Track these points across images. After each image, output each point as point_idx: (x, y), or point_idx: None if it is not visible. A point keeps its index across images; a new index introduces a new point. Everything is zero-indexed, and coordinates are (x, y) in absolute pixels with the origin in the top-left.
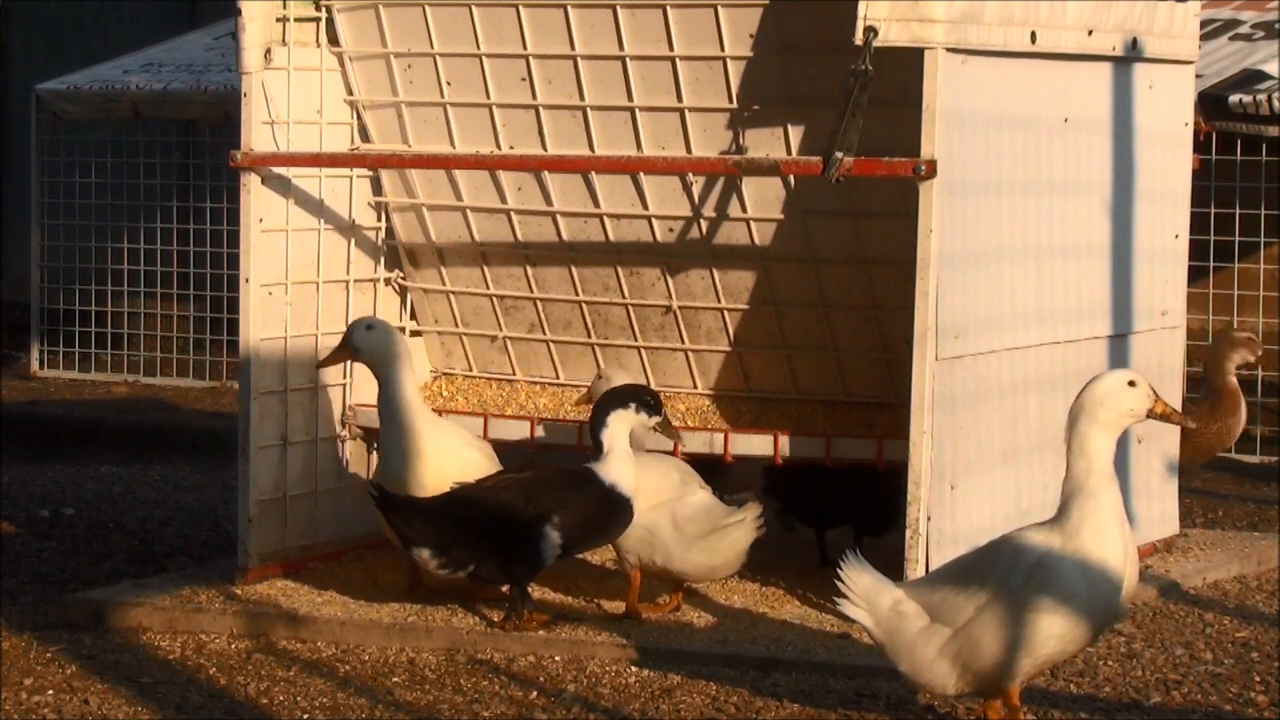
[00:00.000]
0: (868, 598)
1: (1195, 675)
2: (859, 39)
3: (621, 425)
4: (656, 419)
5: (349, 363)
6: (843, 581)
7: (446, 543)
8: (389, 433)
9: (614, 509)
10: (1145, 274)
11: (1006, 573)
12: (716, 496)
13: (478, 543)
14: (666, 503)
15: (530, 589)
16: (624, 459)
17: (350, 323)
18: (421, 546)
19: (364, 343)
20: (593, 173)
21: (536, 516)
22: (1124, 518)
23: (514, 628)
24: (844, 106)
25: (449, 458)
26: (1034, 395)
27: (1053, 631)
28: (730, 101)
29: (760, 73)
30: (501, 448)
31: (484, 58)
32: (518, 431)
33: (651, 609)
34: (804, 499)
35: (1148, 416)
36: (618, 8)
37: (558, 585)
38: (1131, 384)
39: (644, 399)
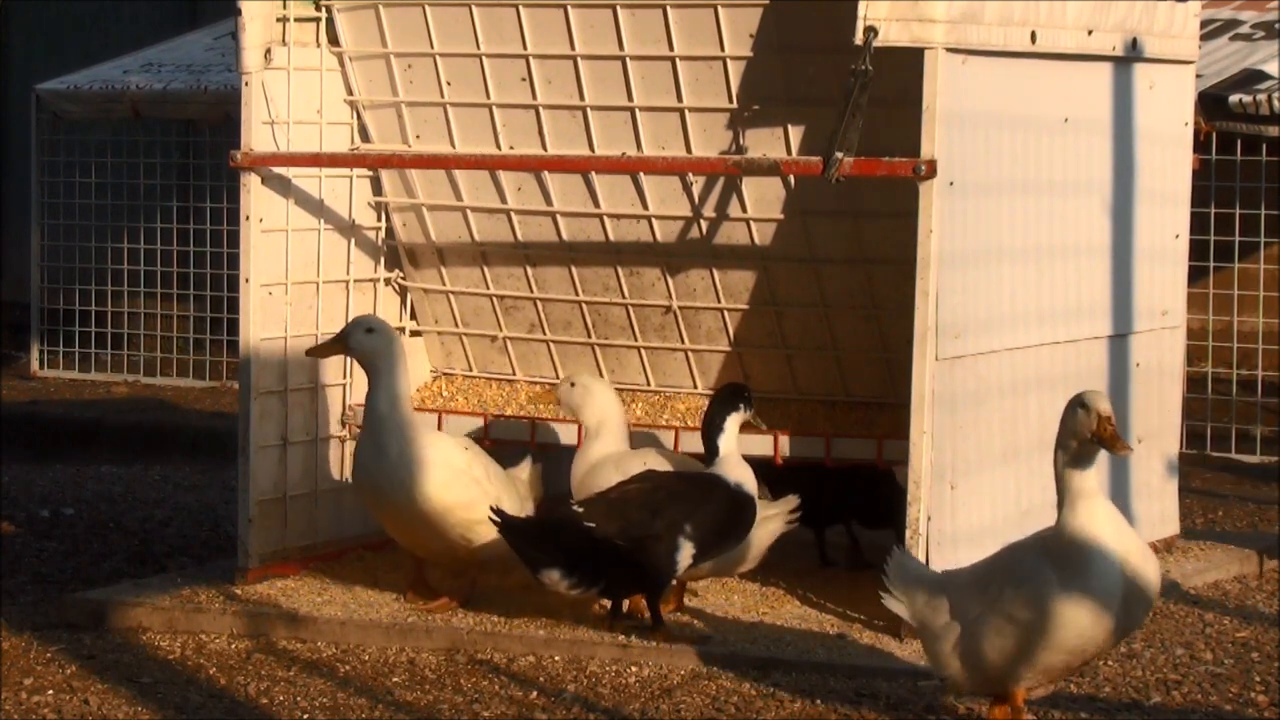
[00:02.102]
0: (907, 590)
1: (1195, 675)
2: (859, 39)
3: (735, 427)
4: (750, 412)
5: (350, 363)
6: (886, 574)
7: (574, 562)
8: (378, 436)
9: (742, 510)
10: (1145, 274)
11: (1005, 579)
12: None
13: (607, 560)
14: None
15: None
16: (739, 459)
17: (352, 320)
18: (550, 568)
19: (360, 346)
20: (593, 173)
21: (668, 527)
22: (1111, 531)
23: (662, 637)
24: (844, 106)
25: (442, 469)
26: (1034, 395)
27: (1044, 640)
28: (730, 101)
29: (760, 73)
30: (501, 448)
31: (484, 58)
32: (518, 431)
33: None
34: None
35: (1090, 437)
36: (618, 8)
37: None
38: (1082, 405)
39: (747, 396)
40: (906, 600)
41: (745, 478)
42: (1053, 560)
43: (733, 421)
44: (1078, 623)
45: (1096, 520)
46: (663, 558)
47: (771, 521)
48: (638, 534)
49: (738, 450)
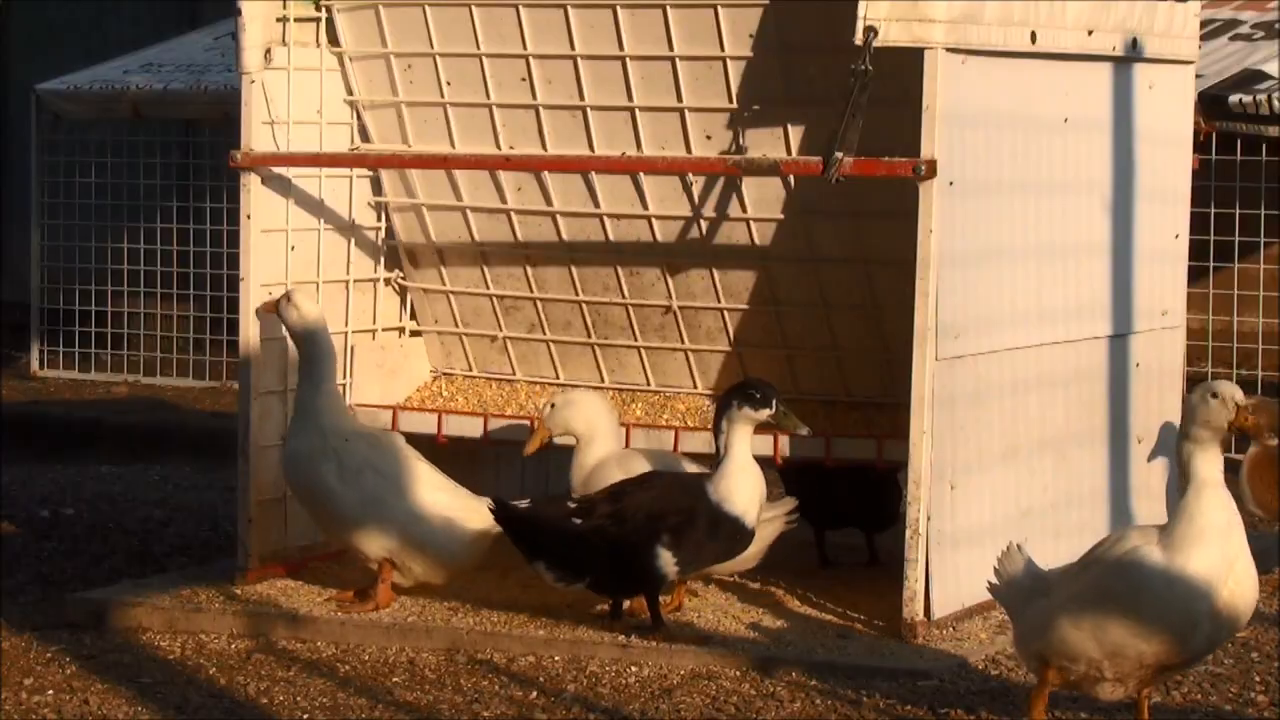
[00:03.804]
0: (1008, 582)
1: (1195, 675)
2: (859, 39)
3: (740, 428)
4: (766, 411)
5: (349, 363)
6: (996, 570)
7: (561, 556)
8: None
9: (717, 527)
10: (1145, 274)
11: (1104, 550)
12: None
13: (590, 557)
14: None
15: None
16: (743, 467)
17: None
18: (538, 560)
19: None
20: (593, 173)
21: (646, 534)
22: (1216, 536)
23: (661, 638)
24: (844, 106)
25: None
26: (1034, 395)
27: (1131, 615)
28: (730, 101)
29: (760, 73)
30: (502, 448)
31: (484, 58)
32: (518, 432)
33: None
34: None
35: (1229, 430)
36: (618, 8)
37: None
38: (1214, 395)
39: (752, 394)
40: (1005, 590)
41: (735, 491)
42: (1161, 537)
43: (734, 422)
44: (1170, 600)
45: (1218, 508)
46: (643, 562)
47: (771, 523)
48: (614, 536)
49: (745, 454)
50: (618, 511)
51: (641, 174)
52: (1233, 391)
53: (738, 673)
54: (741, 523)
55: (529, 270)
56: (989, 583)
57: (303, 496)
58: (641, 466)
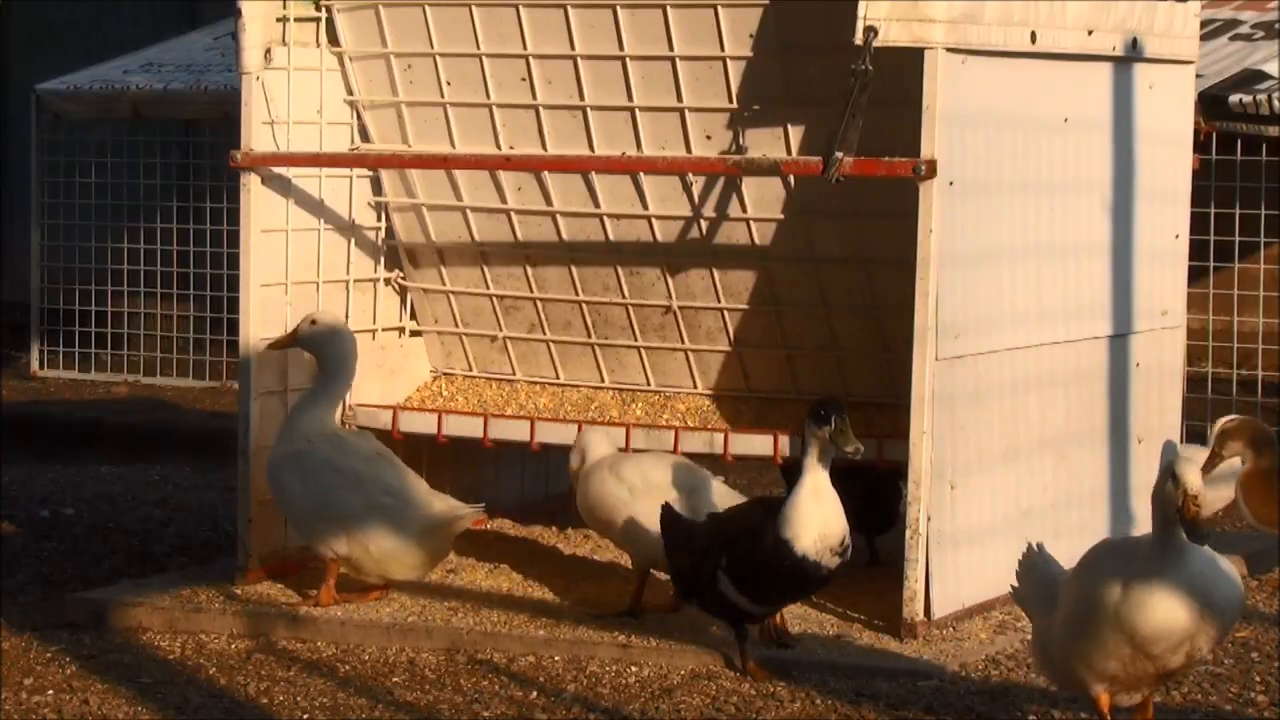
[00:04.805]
0: (1027, 584)
1: (1195, 675)
2: (859, 39)
3: (810, 450)
4: (827, 428)
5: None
6: (1017, 572)
7: (673, 571)
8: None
9: (777, 564)
10: (1145, 274)
11: (1084, 562)
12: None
13: (690, 579)
14: (675, 499)
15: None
16: (803, 497)
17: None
18: (669, 570)
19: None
20: (593, 173)
21: (710, 558)
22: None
23: (755, 676)
24: (844, 106)
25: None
26: (1034, 395)
27: (1111, 621)
28: (730, 101)
29: (760, 73)
30: (502, 447)
31: (484, 58)
32: (518, 431)
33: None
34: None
35: (1177, 512)
36: (618, 8)
37: (558, 584)
38: (1173, 477)
39: (821, 414)
40: (1022, 593)
41: (805, 524)
42: (1139, 545)
43: (807, 443)
44: (1152, 605)
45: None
46: (712, 585)
47: None
48: (687, 554)
49: (815, 480)
50: (701, 529)
51: (641, 174)
52: (1189, 479)
53: (738, 673)
54: (804, 562)
55: (529, 270)
56: (1011, 586)
57: (276, 499)
58: (631, 468)
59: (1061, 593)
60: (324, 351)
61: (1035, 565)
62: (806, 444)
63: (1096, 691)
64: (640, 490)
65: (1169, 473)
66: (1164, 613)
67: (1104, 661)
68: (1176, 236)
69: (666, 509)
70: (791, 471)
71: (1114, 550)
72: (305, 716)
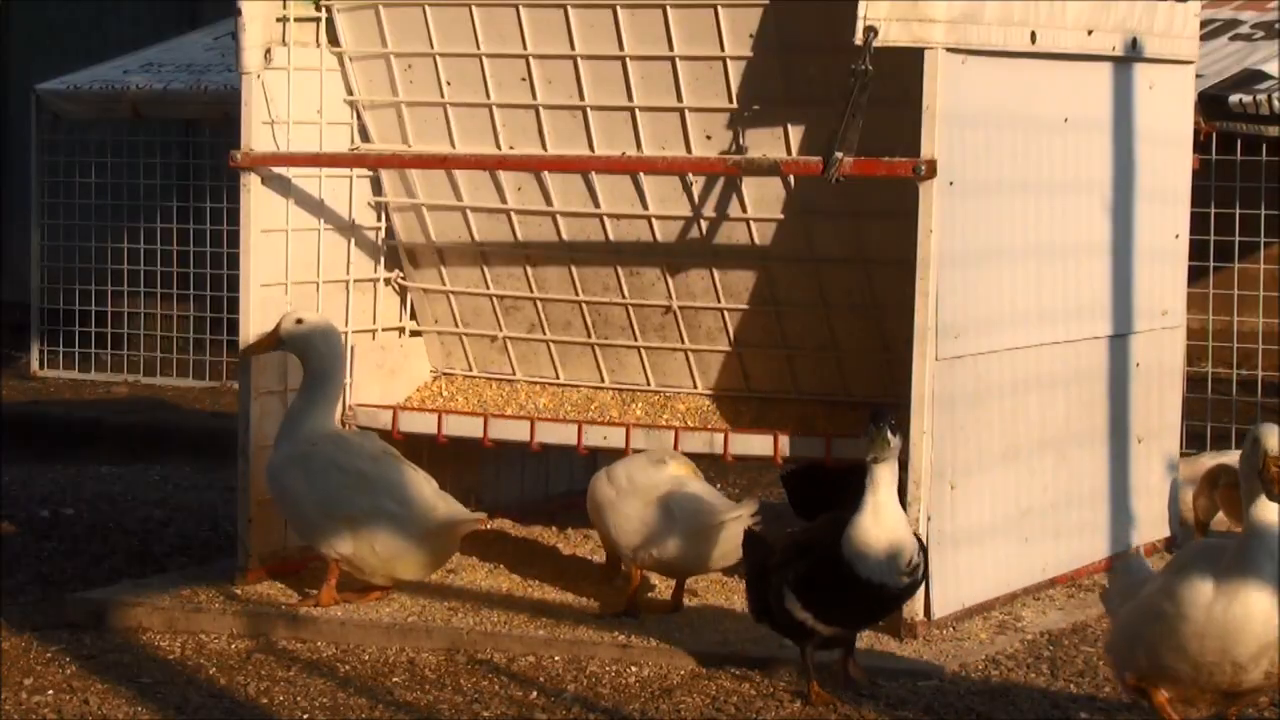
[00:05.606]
0: (1116, 588)
1: None
2: (859, 39)
3: (874, 467)
4: (897, 437)
5: (350, 363)
6: (1108, 573)
7: (748, 591)
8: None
9: (842, 583)
10: (1145, 274)
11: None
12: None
13: (761, 596)
14: (662, 496)
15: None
16: (883, 508)
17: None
18: (746, 592)
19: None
20: (593, 173)
21: (777, 575)
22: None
23: (815, 699)
24: (844, 106)
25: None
26: (1034, 395)
27: (1183, 629)
28: (730, 101)
29: (760, 73)
30: (502, 447)
31: (484, 58)
32: (518, 432)
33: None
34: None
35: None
36: (618, 8)
37: (558, 584)
38: (1254, 441)
39: (876, 424)
40: (1110, 593)
41: (876, 543)
42: (1221, 551)
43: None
44: (1244, 599)
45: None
46: (779, 601)
47: (736, 523)
48: (757, 569)
49: (882, 495)
50: (773, 545)
51: (641, 174)
52: (1269, 442)
53: (738, 673)
54: (872, 583)
55: (529, 270)
56: (1100, 587)
57: (277, 502)
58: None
59: (1146, 588)
60: (315, 352)
61: (1130, 568)
62: (872, 457)
63: (1160, 698)
64: (625, 491)
65: (1251, 438)
66: (1255, 608)
67: (1177, 662)
68: (1176, 236)
69: (749, 533)
70: (791, 481)
71: (1206, 550)
72: (305, 716)
